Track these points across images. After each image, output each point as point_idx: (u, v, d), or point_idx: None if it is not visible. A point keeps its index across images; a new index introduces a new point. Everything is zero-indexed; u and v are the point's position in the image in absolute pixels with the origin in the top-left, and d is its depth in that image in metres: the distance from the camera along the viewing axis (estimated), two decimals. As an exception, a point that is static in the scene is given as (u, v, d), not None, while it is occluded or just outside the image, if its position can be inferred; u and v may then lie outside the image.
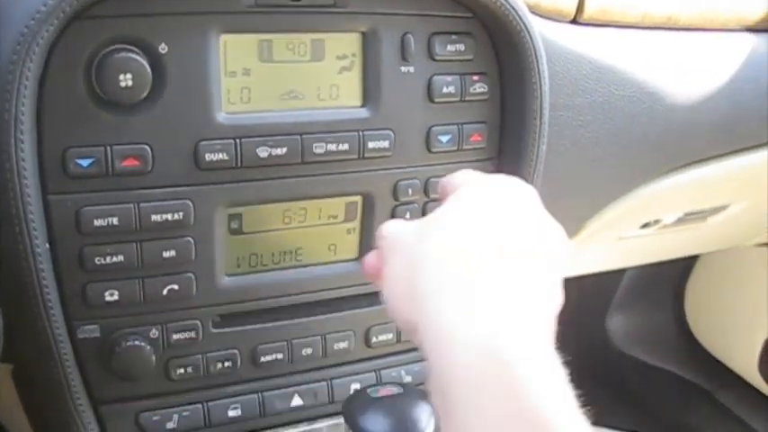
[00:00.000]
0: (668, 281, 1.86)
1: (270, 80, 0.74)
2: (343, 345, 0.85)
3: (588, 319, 1.84)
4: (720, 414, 1.83)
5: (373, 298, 0.85)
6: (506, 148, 0.86)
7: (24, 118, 0.64)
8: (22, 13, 0.64)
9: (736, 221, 1.32)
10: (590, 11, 0.96)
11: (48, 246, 0.69)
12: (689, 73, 1.03)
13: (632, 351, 1.88)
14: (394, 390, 0.71)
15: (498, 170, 0.86)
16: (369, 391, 0.71)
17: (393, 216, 0.82)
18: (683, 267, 1.84)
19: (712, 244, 1.51)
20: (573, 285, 1.35)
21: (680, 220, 1.24)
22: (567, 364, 0.50)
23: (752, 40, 1.06)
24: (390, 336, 0.87)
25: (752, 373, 1.72)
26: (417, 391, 0.67)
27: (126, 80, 0.67)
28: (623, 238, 1.22)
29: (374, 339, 0.87)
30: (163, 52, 0.69)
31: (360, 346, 0.87)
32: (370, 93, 0.78)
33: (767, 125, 1.07)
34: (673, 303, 1.88)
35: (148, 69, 0.68)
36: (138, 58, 0.67)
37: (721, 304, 1.82)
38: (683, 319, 1.89)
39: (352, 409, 0.69)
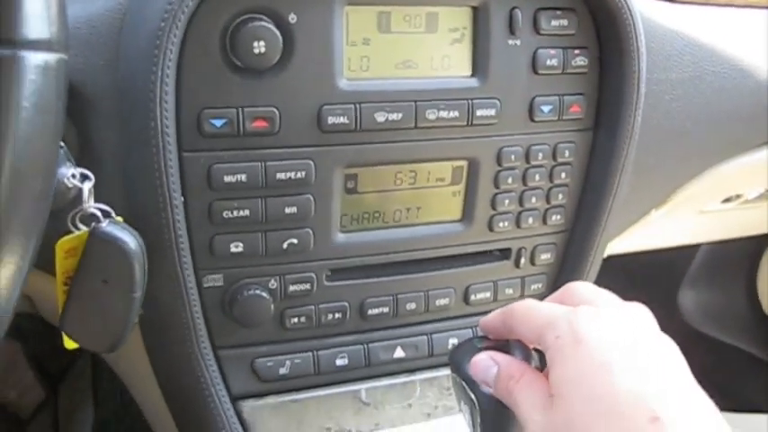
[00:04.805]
0: (742, 258, 1.87)
1: (387, 50, 0.79)
2: (443, 301, 0.90)
3: (660, 294, 1.86)
4: (789, 393, 1.85)
5: (473, 258, 0.91)
6: (603, 120, 0.89)
7: (168, 80, 0.70)
8: (167, -16, 0.69)
9: (817, 200, 1.34)
10: (684, -10, 1.00)
11: (183, 199, 0.75)
12: (778, 51, 1.06)
13: (703, 327, 1.90)
14: (498, 343, 0.75)
15: (595, 140, 0.90)
16: (474, 341, 0.75)
17: (496, 181, 0.86)
18: (756, 245, 1.86)
19: (790, 221, 1.52)
20: (647, 260, 1.38)
21: (761, 196, 1.27)
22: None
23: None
24: (488, 294, 0.92)
25: (822, 353, 1.74)
26: (519, 343, 0.71)
27: (259, 47, 0.72)
28: (704, 211, 1.25)
29: (473, 297, 0.92)
30: (292, 22, 0.74)
31: (459, 303, 0.92)
32: (479, 64, 0.82)
33: None
34: (746, 281, 1.89)
35: (279, 37, 0.73)
36: (270, 26, 0.73)
37: (793, 284, 1.83)
38: (755, 298, 1.91)
39: (459, 357, 0.74)
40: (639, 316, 0.64)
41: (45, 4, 0.44)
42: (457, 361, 0.74)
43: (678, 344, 0.61)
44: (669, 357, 0.60)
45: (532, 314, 0.67)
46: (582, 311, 0.63)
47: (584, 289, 0.69)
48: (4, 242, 0.45)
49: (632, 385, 0.56)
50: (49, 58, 0.45)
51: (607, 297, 0.67)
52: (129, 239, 0.68)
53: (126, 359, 0.98)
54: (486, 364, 0.69)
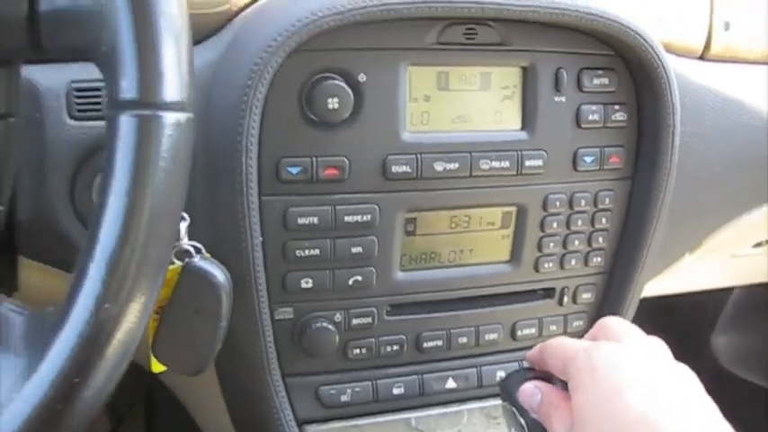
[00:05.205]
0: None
1: (445, 105, 0.88)
2: (492, 336, 0.98)
3: (694, 336, 1.92)
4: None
5: (520, 296, 0.98)
6: (641, 169, 0.97)
7: (253, 132, 0.79)
8: (255, 46, 0.78)
9: None
10: (715, 49, 1.08)
11: (261, 239, 0.83)
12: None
13: (736, 370, 1.95)
14: (542, 373, 0.82)
15: (633, 188, 0.98)
16: (522, 372, 0.83)
17: (542, 225, 0.94)
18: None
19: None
20: (681, 302, 1.44)
21: (791, 242, 1.33)
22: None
23: None
24: (534, 330, 1.00)
25: None
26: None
27: (333, 103, 0.81)
28: (736, 255, 1.32)
29: (519, 333, 0.99)
30: (362, 81, 0.83)
31: (506, 338, 0.99)
32: (527, 118, 0.91)
33: None
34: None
35: (351, 95, 0.82)
36: (342, 84, 0.81)
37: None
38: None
39: (510, 386, 0.81)
40: (657, 348, 0.71)
41: (179, 72, 0.53)
42: (508, 389, 0.81)
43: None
44: (685, 387, 0.66)
45: (560, 349, 0.76)
46: (601, 345, 0.71)
47: (612, 324, 0.77)
48: (140, 280, 0.53)
49: (646, 410, 0.62)
50: (181, 116, 0.53)
51: (631, 330, 0.75)
52: (219, 273, 0.76)
53: (197, 385, 1.05)
54: (532, 391, 0.76)
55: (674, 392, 0.64)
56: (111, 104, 0.52)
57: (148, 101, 0.52)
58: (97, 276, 0.52)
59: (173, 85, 0.52)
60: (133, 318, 0.53)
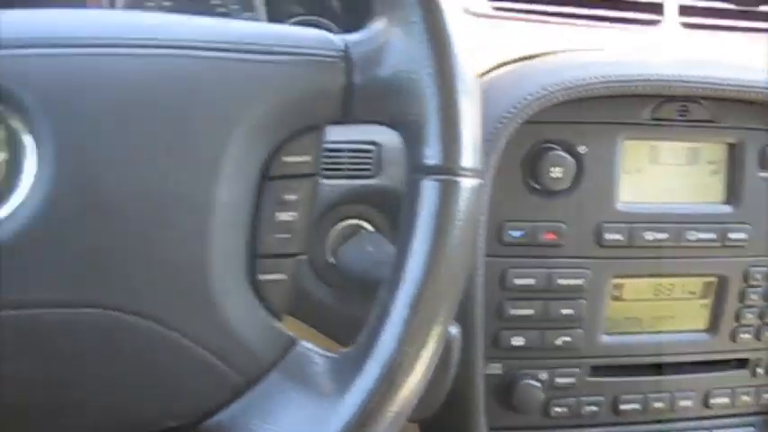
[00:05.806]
0: None
1: (655, 178, 0.93)
2: (686, 403, 1.00)
3: None
4: None
5: (713, 365, 1.01)
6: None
7: (484, 196, 0.84)
8: (489, 117, 0.84)
9: None
10: None
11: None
12: None
13: None
14: None
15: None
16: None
17: (742, 296, 0.97)
18: None
19: None
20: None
21: None
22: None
23: None
24: (727, 400, 1.02)
25: None
26: None
27: (556, 172, 0.87)
28: None
29: (712, 401, 1.01)
30: (582, 152, 0.88)
31: (699, 406, 1.01)
32: (732, 193, 0.95)
33: None
34: None
35: (573, 165, 0.87)
36: (565, 155, 0.87)
37: None
38: None
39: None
40: None
41: (474, 143, 0.59)
42: None
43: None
44: None
45: None
46: None
47: None
48: (434, 326, 0.58)
49: None
50: (474, 182, 0.59)
51: None
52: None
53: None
54: None
55: None
56: (415, 168, 0.59)
57: (450, 167, 0.58)
58: (400, 320, 0.57)
59: (470, 154, 0.59)
60: (427, 360, 0.59)
